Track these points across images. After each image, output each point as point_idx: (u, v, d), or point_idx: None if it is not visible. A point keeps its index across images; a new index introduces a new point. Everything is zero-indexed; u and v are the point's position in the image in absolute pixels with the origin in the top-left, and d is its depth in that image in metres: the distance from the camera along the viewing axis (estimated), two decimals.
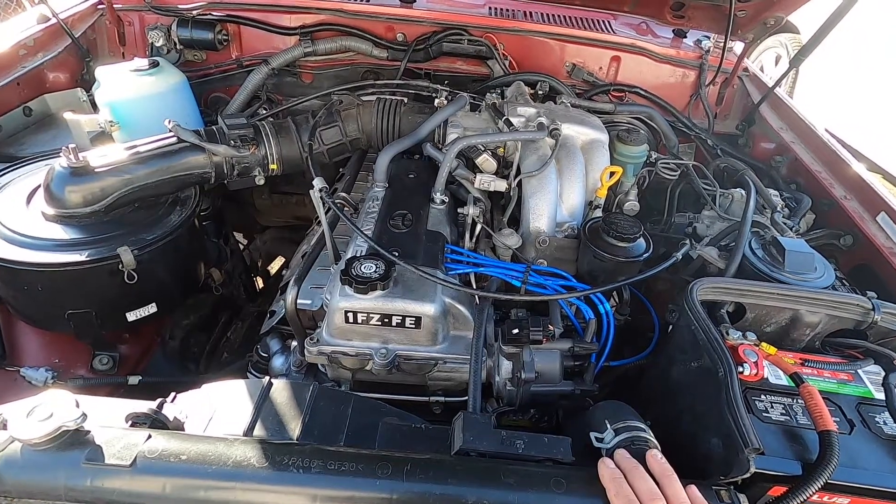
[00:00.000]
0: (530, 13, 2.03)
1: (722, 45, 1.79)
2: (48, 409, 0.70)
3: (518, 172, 1.34)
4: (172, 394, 0.88)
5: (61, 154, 1.24)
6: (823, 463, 0.77)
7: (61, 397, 0.72)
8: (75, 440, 0.70)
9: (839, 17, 1.49)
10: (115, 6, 1.87)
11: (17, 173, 1.39)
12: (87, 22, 1.88)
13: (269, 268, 2.42)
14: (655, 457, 0.75)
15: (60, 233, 1.24)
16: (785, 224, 1.35)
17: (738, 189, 1.50)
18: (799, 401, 0.90)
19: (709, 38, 1.98)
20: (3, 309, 1.34)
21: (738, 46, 1.93)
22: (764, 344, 0.97)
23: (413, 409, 1.01)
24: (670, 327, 1.12)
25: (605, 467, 0.73)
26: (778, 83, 1.77)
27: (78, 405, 0.72)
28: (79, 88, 1.79)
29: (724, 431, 0.81)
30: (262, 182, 1.51)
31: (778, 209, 1.41)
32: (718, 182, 1.55)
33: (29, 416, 0.70)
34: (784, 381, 0.94)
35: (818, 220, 1.50)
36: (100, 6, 1.90)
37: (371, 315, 1.03)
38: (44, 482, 0.68)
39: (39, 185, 1.30)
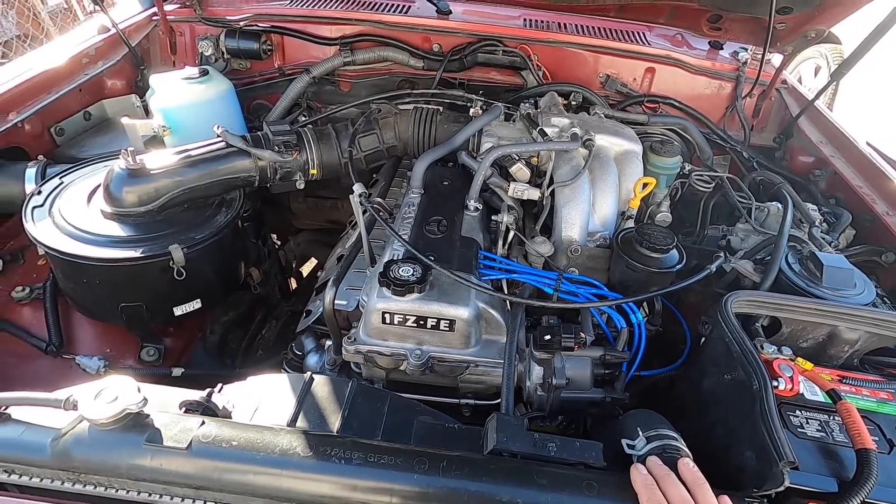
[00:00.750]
0: (564, 24, 2.06)
1: (760, 57, 1.77)
2: (113, 392, 0.76)
3: (551, 182, 1.36)
4: (220, 384, 0.93)
5: (120, 156, 1.32)
6: (861, 481, 0.77)
7: (125, 382, 0.78)
8: (137, 422, 0.76)
9: (884, 29, 1.47)
10: (168, 17, 1.98)
11: (78, 173, 1.49)
12: (143, 32, 1.99)
13: (301, 269, 2.49)
14: (687, 465, 0.76)
15: (117, 230, 1.32)
16: (823, 239, 1.33)
17: (774, 203, 1.49)
18: (836, 418, 0.90)
19: (746, 49, 1.96)
20: (62, 300, 1.43)
21: (777, 58, 1.91)
22: (800, 359, 0.96)
23: (443, 410, 1.04)
24: (703, 339, 1.11)
25: (638, 473, 0.74)
26: (818, 96, 1.75)
27: (139, 390, 0.77)
28: (133, 95, 1.90)
29: (757, 444, 0.81)
30: (302, 186, 1.57)
31: (816, 224, 1.39)
32: (754, 195, 1.54)
33: (96, 399, 0.75)
34: (820, 397, 0.93)
35: (859, 235, 1.47)
36: (154, 17, 2.01)
37: (407, 317, 1.06)
38: (108, 460, 0.74)
39: (99, 185, 1.39)
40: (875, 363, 1.03)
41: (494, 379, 1.10)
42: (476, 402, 1.15)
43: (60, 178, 1.46)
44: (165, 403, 0.86)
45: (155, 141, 1.65)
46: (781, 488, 0.75)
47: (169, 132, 1.64)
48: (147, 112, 1.79)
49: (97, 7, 1.86)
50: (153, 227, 1.35)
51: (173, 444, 0.74)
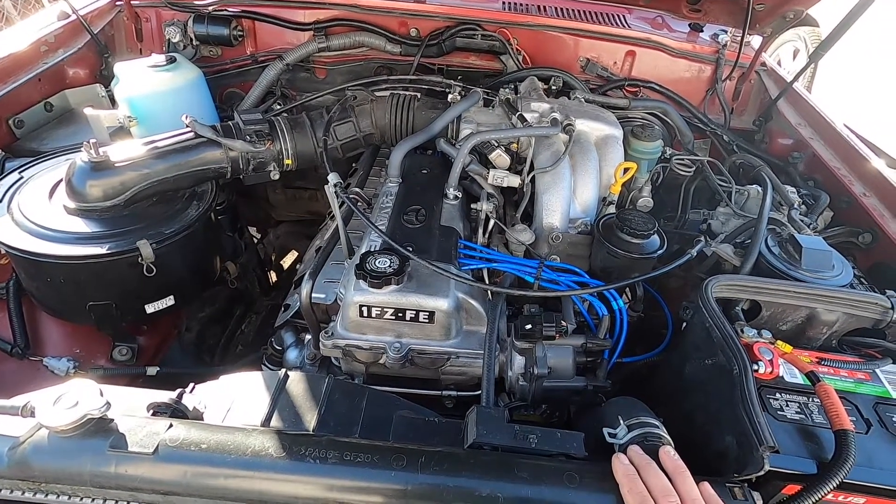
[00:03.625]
0: (544, 7, 2.02)
1: (739, 39, 1.76)
2: (74, 397, 0.73)
3: (531, 168, 1.34)
4: (191, 384, 0.90)
5: (82, 149, 1.26)
6: (839, 462, 0.77)
7: (86, 386, 0.74)
8: (100, 428, 0.73)
9: (860, 10, 1.46)
10: (132, 2, 1.89)
11: (39, 168, 1.42)
12: (106, 18, 1.91)
13: (282, 262, 2.44)
14: (668, 453, 0.75)
15: (82, 226, 1.27)
16: (802, 221, 1.33)
17: (754, 185, 1.49)
18: (815, 399, 0.90)
19: (726, 32, 1.95)
20: (27, 300, 1.38)
21: (756, 40, 1.90)
22: (779, 342, 0.96)
23: (425, 403, 1.02)
24: (684, 324, 1.11)
25: (619, 463, 0.73)
26: (796, 78, 1.75)
27: (102, 394, 0.74)
28: (98, 84, 1.83)
29: (738, 429, 0.81)
30: (276, 177, 1.52)
31: (795, 206, 1.39)
32: (734, 178, 1.54)
33: (55, 404, 0.72)
34: (800, 379, 0.93)
35: (836, 217, 1.48)
36: (118, 2, 1.92)
37: (385, 309, 1.04)
38: (70, 468, 0.71)
39: (61, 180, 1.33)
40: (853, 344, 1.04)
41: (476, 370, 1.08)
42: (458, 393, 1.13)
43: (20, 172, 1.39)
44: (133, 407, 0.82)
45: (121, 132, 1.59)
46: (762, 472, 0.75)
47: (135, 123, 1.58)
48: (113, 102, 1.71)
49: None
50: (120, 222, 1.30)
51: (138, 450, 0.70)
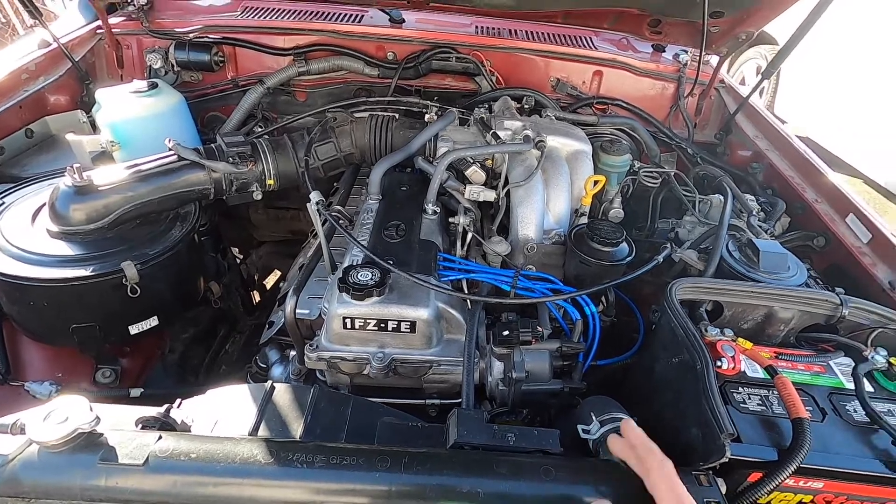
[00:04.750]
0: (515, 31, 2.12)
1: (698, 58, 1.88)
2: (63, 413, 0.74)
3: (506, 183, 1.40)
4: (178, 399, 0.92)
5: (66, 173, 1.29)
6: (796, 448, 0.82)
7: (76, 402, 0.76)
8: (90, 442, 0.74)
9: (804, 30, 1.58)
10: (113, 30, 1.93)
11: (21, 193, 1.43)
12: (87, 46, 1.94)
13: (265, 282, 2.46)
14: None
15: (65, 249, 1.28)
16: (760, 227, 1.42)
17: (716, 195, 1.57)
18: (774, 392, 0.96)
19: (686, 52, 2.07)
20: (8, 325, 1.37)
21: (715, 59, 2.03)
22: (741, 339, 1.02)
23: (410, 411, 1.05)
24: (654, 326, 1.17)
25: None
26: (751, 94, 1.86)
27: (92, 409, 0.76)
28: (79, 111, 1.85)
29: (702, 421, 0.86)
30: (259, 197, 1.56)
31: (754, 213, 1.47)
32: (698, 189, 1.62)
33: (45, 420, 0.73)
34: (760, 374, 0.99)
35: (793, 222, 1.57)
36: (99, 30, 1.96)
37: (368, 320, 1.08)
38: (60, 482, 0.72)
39: (44, 204, 1.34)
40: (809, 339, 1.11)
41: (457, 377, 1.12)
42: (441, 401, 1.17)
43: (1, 198, 1.40)
44: (121, 422, 0.84)
45: (104, 157, 1.61)
46: (725, 459, 0.80)
47: (118, 147, 1.60)
48: (94, 128, 1.74)
49: (37, 21, 1.80)
50: (104, 244, 1.31)
51: (129, 461, 0.72)
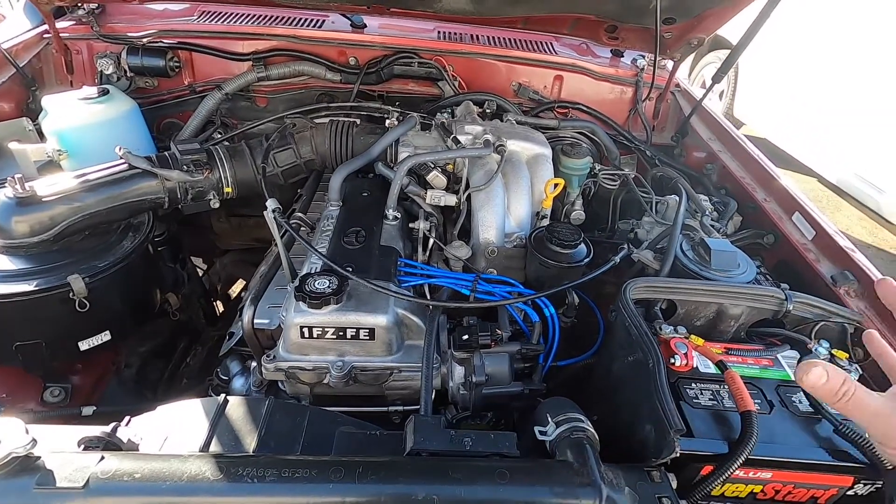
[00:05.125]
0: (477, 36, 2.14)
1: (653, 63, 1.93)
2: None
3: (467, 187, 1.41)
4: (126, 417, 0.88)
5: (6, 184, 1.23)
6: (744, 440, 0.84)
7: (10, 424, 0.72)
8: (25, 466, 0.71)
9: (750, 36, 1.65)
10: (61, 35, 1.86)
11: None
12: (33, 51, 1.86)
13: (229, 291, 2.40)
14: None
15: (7, 263, 1.22)
16: (713, 226, 1.46)
17: (673, 196, 1.62)
18: (725, 386, 0.99)
19: (643, 57, 2.13)
20: None
21: (671, 64, 2.09)
22: (693, 336, 1.05)
23: (373, 419, 1.04)
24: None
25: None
26: (703, 98, 1.92)
27: (28, 431, 0.72)
28: (25, 118, 1.76)
29: (655, 418, 0.87)
30: (217, 205, 1.53)
31: (707, 213, 1.52)
32: (656, 190, 1.67)
33: None
34: (712, 369, 1.02)
35: (744, 221, 1.63)
36: (46, 35, 1.88)
37: (326, 329, 1.06)
38: None
39: None
40: (758, 334, 1.14)
41: (419, 383, 1.11)
42: (404, 408, 1.16)
43: None
44: (61, 443, 0.80)
45: (50, 166, 1.55)
46: (676, 455, 0.82)
47: (66, 156, 1.54)
48: (41, 135, 1.67)
49: None
50: (49, 257, 1.26)
51: (68, 485, 0.69)
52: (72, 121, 1.56)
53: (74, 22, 1.91)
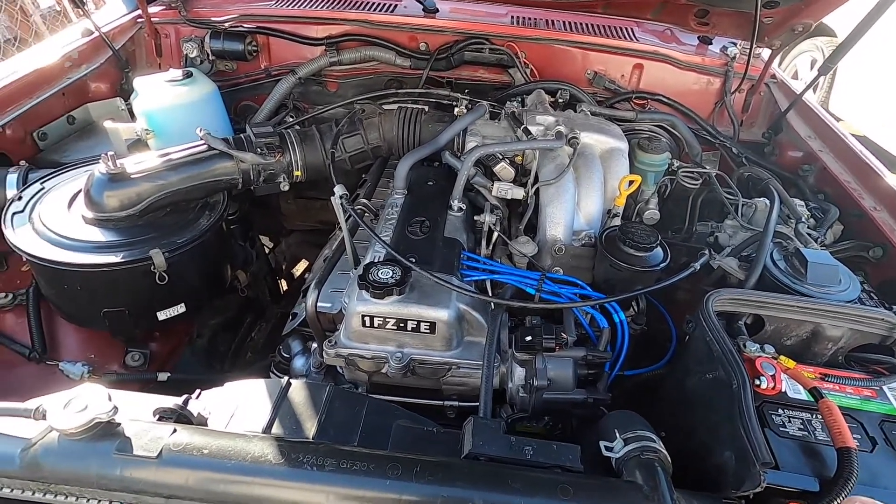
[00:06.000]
0: (552, 21, 2.04)
1: (748, 52, 1.76)
2: (83, 401, 0.75)
3: (536, 180, 1.35)
4: (197, 390, 0.92)
5: (101, 161, 1.31)
6: (841, 481, 0.76)
7: (95, 391, 0.77)
8: (107, 431, 0.75)
9: (870, 22, 1.46)
10: (152, 19, 1.97)
11: (59, 178, 1.48)
12: (127, 34, 1.98)
13: (293, 271, 2.48)
14: None
15: (98, 235, 1.31)
16: (809, 235, 1.32)
17: (762, 199, 1.48)
18: (818, 416, 0.89)
19: (735, 44, 1.95)
20: (46, 306, 1.42)
21: (766, 52, 1.90)
22: (783, 357, 0.95)
23: (427, 412, 1.03)
24: (687, 338, 1.11)
25: None
26: (806, 90, 1.73)
27: (110, 399, 0.76)
28: (118, 98, 1.89)
29: (736, 444, 0.80)
30: (286, 188, 1.56)
31: (803, 219, 1.37)
32: (742, 191, 1.53)
33: (66, 408, 0.74)
34: (803, 395, 0.92)
35: (846, 231, 1.46)
36: (139, 20, 2.00)
37: (387, 319, 1.06)
38: (77, 470, 0.73)
39: (80, 190, 1.38)
40: (860, 360, 1.02)
41: (477, 381, 1.09)
42: (460, 404, 1.14)
43: (41, 183, 1.45)
44: (139, 411, 0.84)
45: (139, 144, 1.64)
46: (759, 489, 0.74)
47: (152, 135, 1.63)
48: (132, 115, 1.77)
49: (80, 10, 1.84)
50: (134, 231, 1.34)
51: (143, 454, 0.73)
52: (159, 102, 1.64)
53: (164, 7, 2.01)
